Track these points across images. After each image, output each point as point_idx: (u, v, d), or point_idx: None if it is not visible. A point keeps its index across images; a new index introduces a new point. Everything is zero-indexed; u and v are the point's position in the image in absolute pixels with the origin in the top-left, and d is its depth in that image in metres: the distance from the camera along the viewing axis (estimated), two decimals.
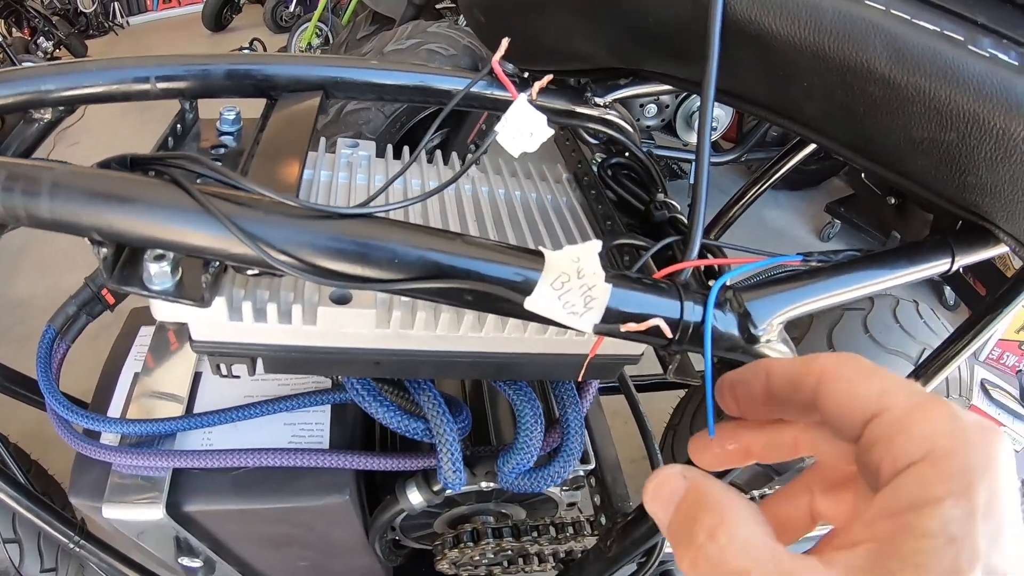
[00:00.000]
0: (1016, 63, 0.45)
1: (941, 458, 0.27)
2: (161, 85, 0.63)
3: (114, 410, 0.82)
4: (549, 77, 0.54)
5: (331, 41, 4.44)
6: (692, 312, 0.49)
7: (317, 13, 4.46)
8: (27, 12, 4.98)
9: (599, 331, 0.44)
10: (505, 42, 0.56)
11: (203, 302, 0.50)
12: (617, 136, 0.78)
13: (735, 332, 0.52)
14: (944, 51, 0.46)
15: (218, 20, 5.82)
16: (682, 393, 1.72)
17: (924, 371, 0.96)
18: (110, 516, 0.74)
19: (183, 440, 0.79)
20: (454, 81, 0.71)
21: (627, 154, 0.81)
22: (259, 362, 0.61)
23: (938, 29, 0.46)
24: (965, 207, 0.53)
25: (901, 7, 0.47)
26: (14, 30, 5.06)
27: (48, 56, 5.02)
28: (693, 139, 2.91)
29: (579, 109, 0.77)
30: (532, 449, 0.69)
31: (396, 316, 0.55)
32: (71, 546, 0.89)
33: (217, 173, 0.46)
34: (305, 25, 4.56)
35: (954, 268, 0.64)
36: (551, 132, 0.52)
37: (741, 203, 1.24)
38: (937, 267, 0.63)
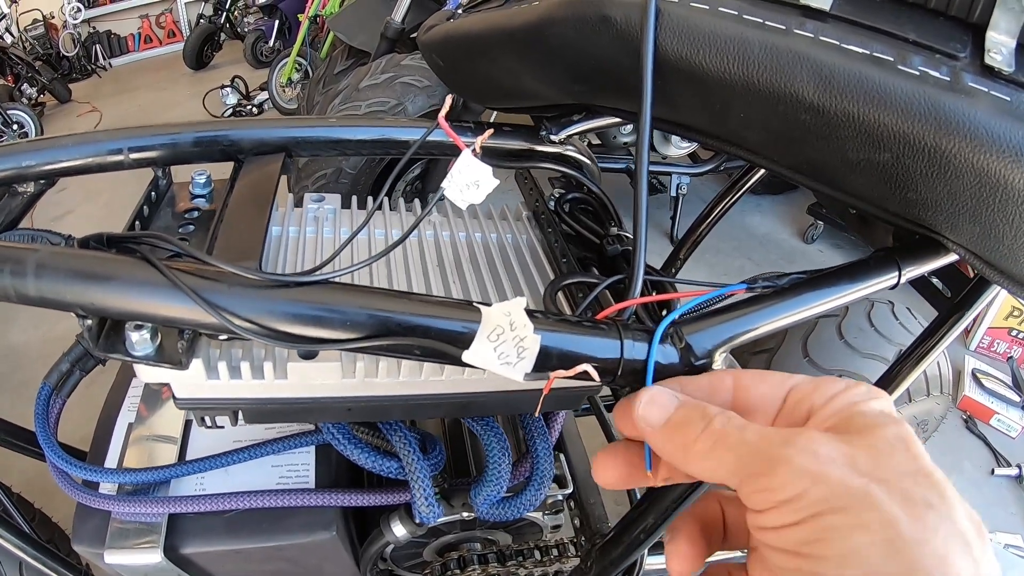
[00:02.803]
0: (947, 79, 0.46)
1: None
2: (134, 156, 0.67)
3: (111, 459, 0.85)
4: (490, 131, 0.57)
5: (310, 75, 4.46)
6: (633, 350, 0.51)
7: (295, 48, 4.50)
8: (10, 59, 5.03)
9: (530, 379, 0.46)
10: (449, 99, 0.59)
11: (181, 365, 0.53)
12: (570, 172, 0.80)
13: (678, 365, 0.53)
14: (871, 74, 0.47)
15: (199, 58, 5.86)
16: None
17: (894, 374, 0.99)
18: (112, 562, 0.77)
19: (177, 486, 0.82)
20: (411, 132, 0.74)
21: (585, 188, 0.84)
22: (240, 413, 0.65)
23: (867, 52, 0.48)
24: (911, 221, 0.54)
25: (831, 33, 0.49)
26: None
27: (32, 102, 5.05)
28: (672, 152, 2.93)
29: (535, 147, 0.80)
30: (501, 480, 0.72)
31: (360, 367, 0.59)
32: None
33: (184, 250, 0.50)
34: (285, 60, 4.61)
35: (902, 281, 0.65)
36: (496, 183, 0.54)
37: (708, 220, 1.27)
38: (884, 282, 0.64)
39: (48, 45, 5.78)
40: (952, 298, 0.92)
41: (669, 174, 3.01)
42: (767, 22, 0.51)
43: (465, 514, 0.81)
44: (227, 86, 4.92)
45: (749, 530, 0.38)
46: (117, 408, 0.92)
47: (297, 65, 4.60)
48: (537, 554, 0.94)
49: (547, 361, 0.47)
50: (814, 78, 0.48)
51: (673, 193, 3.05)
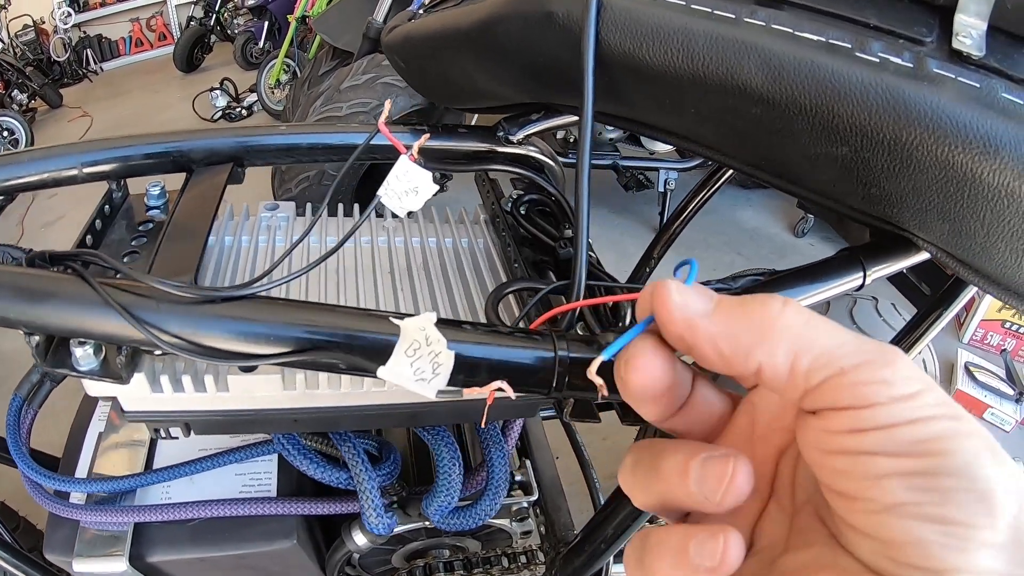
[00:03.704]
0: (910, 65, 0.43)
1: None
2: (87, 170, 0.67)
3: (81, 468, 0.85)
4: (427, 136, 0.56)
5: (298, 76, 4.45)
6: (567, 359, 0.49)
7: (283, 50, 4.49)
8: (0, 66, 4.99)
9: (443, 397, 0.46)
10: (388, 103, 0.59)
11: (123, 380, 0.54)
12: (524, 173, 0.80)
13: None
14: (823, 63, 0.44)
15: (189, 61, 5.83)
16: None
17: None
18: (80, 570, 0.78)
19: (144, 495, 0.82)
20: (359, 137, 0.74)
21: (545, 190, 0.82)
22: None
23: (822, 39, 0.45)
24: (877, 217, 0.52)
25: (784, 20, 0.46)
26: None
27: (23, 108, 5.02)
28: (658, 148, 2.93)
29: (495, 148, 0.79)
30: (452, 490, 0.72)
31: (300, 379, 0.59)
32: None
33: (116, 267, 0.49)
34: (273, 62, 4.59)
35: (868, 282, 0.62)
36: (435, 188, 0.54)
37: (682, 217, 1.26)
38: (847, 284, 0.62)
39: (39, 50, 5.71)
40: (932, 295, 0.90)
41: (656, 169, 3.00)
42: (716, 11, 0.48)
43: (427, 522, 0.81)
44: (216, 89, 4.90)
45: (811, 436, 0.30)
46: (88, 417, 0.92)
47: (285, 66, 4.58)
48: (505, 561, 0.94)
49: (476, 374, 0.47)
50: (762, 69, 0.46)
51: (661, 188, 3.03)
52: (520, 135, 0.80)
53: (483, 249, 0.77)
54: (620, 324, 0.64)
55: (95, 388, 0.58)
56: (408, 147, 0.55)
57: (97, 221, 0.68)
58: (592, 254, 0.73)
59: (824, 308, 1.50)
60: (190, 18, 5.94)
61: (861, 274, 0.62)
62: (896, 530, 0.27)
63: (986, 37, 0.43)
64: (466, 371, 0.46)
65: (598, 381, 0.35)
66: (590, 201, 0.54)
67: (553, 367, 0.49)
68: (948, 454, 0.27)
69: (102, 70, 6.27)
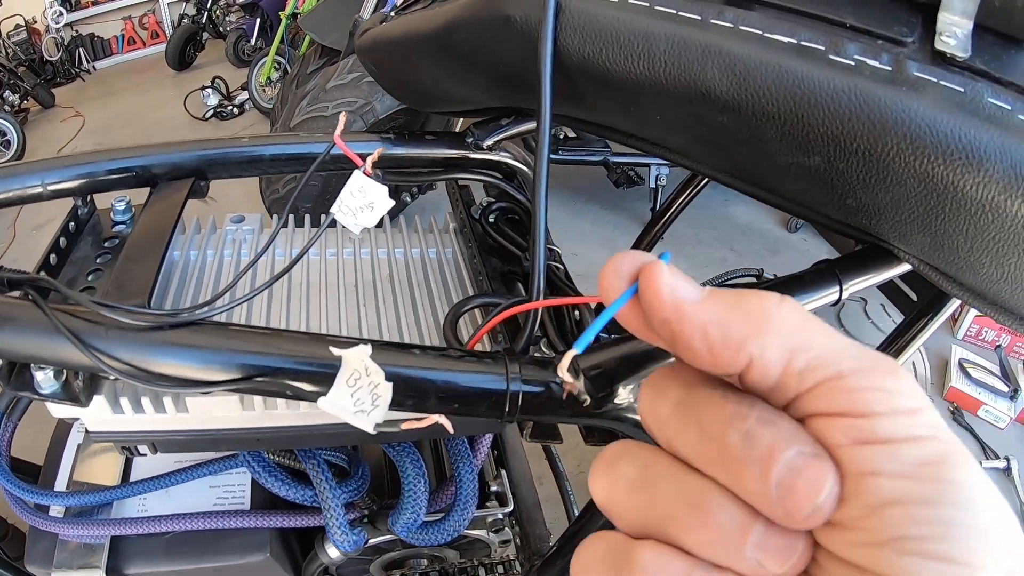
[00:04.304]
0: (888, 68, 0.40)
1: None
2: (51, 187, 0.67)
3: (61, 480, 0.86)
4: (380, 149, 0.55)
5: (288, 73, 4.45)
6: (521, 384, 0.48)
7: (273, 47, 4.48)
8: None
9: (380, 429, 0.45)
10: (343, 116, 0.58)
11: (82, 403, 0.54)
12: (493, 180, 0.79)
13: (583, 398, 0.45)
14: (793, 67, 0.42)
15: (182, 59, 5.82)
16: None
17: None
18: None
19: (121, 507, 0.83)
20: (322, 147, 0.72)
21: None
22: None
23: (794, 41, 0.42)
24: (856, 228, 0.50)
25: (754, 21, 0.44)
26: None
27: (15, 109, 4.99)
28: None
29: (465, 154, 0.78)
30: (419, 507, 0.71)
31: (259, 400, 0.58)
32: None
33: (66, 294, 0.50)
34: (264, 59, 4.58)
35: (844, 296, 0.59)
36: (391, 203, 0.54)
37: (664, 219, 1.25)
38: (823, 299, 0.59)
39: (31, 50, 5.68)
40: (920, 300, 0.88)
41: (647, 165, 2.99)
42: (680, 12, 0.46)
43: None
44: (208, 87, 4.89)
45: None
46: (67, 430, 0.92)
47: (276, 64, 4.56)
48: (482, 572, 0.93)
49: (425, 400, 0.46)
50: (727, 74, 0.44)
51: (652, 184, 3.02)
52: (490, 141, 0.79)
53: (451, 260, 0.77)
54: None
55: (58, 410, 0.58)
56: (364, 157, 0.54)
57: (62, 239, 0.68)
58: (559, 265, 0.72)
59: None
60: (182, 15, 5.94)
61: (837, 288, 0.59)
62: (894, 567, 0.24)
63: (972, 37, 0.40)
64: (414, 397, 0.46)
65: (567, 379, 0.33)
66: (547, 211, 0.52)
67: (505, 393, 0.48)
68: (951, 482, 0.24)
69: (95, 69, 6.23)
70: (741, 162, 0.52)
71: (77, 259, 0.68)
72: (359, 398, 0.43)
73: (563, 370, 0.32)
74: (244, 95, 4.88)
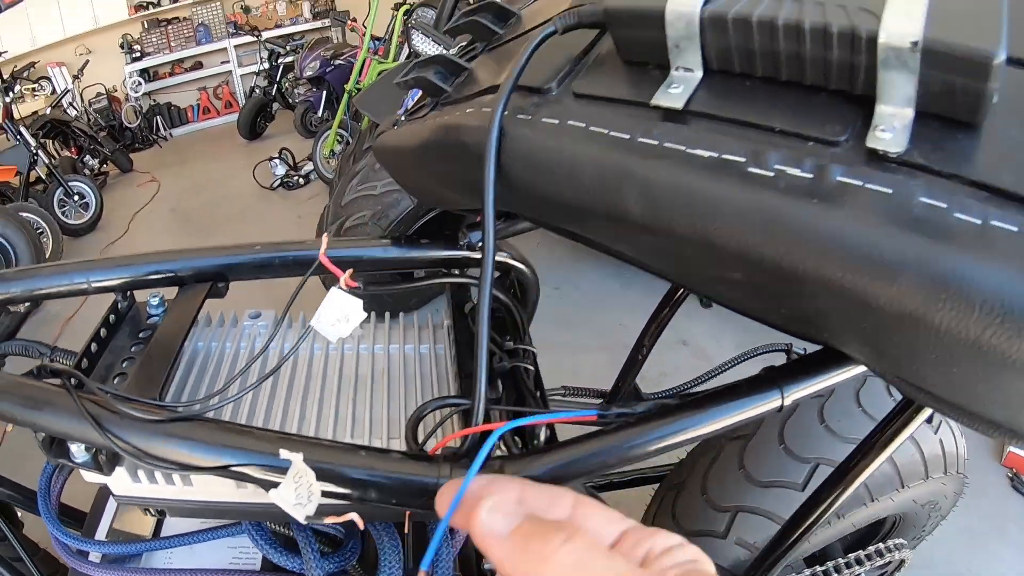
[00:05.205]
0: (808, 177, 0.38)
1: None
2: (95, 284, 0.79)
3: (102, 530, 0.96)
4: (351, 270, 0.60)
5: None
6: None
7: (336, 120, 4.63)
8: (73, 132, 5.24)
9: (310, 521, 0.55)
10: (326, 237, 0.68)
11: (106, 473, 0.66)
12: (467, 281, 0.87)
13: None
14: (699, 188, 0.40)
15: (252, 128, 6.09)
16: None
17: (851, 464, 0.86)
18: None
19: (150, 559, 0.93)
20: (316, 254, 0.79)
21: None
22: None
23: (714, 155, 0.41)
24: (801, 335, 0.50)
25: (679, 137, 0.43)
26: (62, 150, 5.33)
27: (95, 173, 5.25)
28: None
29: (467, 256, 0.87)
30: None
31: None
32: None
33: (92, 388, 0.61)
34: (328, 132, 4.73)
35: (787, 403, 0.58)
36: (364, 316, 0.61)
37: (650, 333, 1.32)
38: (764, 407, 0.58)
39: (111, 117, 6.07)
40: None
41: None
42: (612, 132, 0.46)
43: None
44: (275, 158, 5.07)
45: None
46: None
47: (339, 137, 4.70)
48: None
49: (367, 494, 0.56)
50: (640, 198, 0.43)
51: None
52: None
53: (440, 357, 0.84)
54: (536, 443, 0.71)
55: (89, 476, 0.69)
56: (345, 267, 0.61)
57: (102, 330, 0.79)
58: (530, 367, 0.79)
59: (828, 393, 1.33)
60: (254, 87, 6.22)
61: (779, 396, 0.58)
62: None
63: (913, 127, 0.37)
64: (361, 489, 0.56)
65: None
66: (488, 334, 0.56)
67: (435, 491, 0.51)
68: None
69: (171, 136, 6.58)
70: (679, 272, 0.53)
71: (115, 347, 0.78)
72: (299, 493, 0.52)
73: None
74: (310, 165, 5.04)
